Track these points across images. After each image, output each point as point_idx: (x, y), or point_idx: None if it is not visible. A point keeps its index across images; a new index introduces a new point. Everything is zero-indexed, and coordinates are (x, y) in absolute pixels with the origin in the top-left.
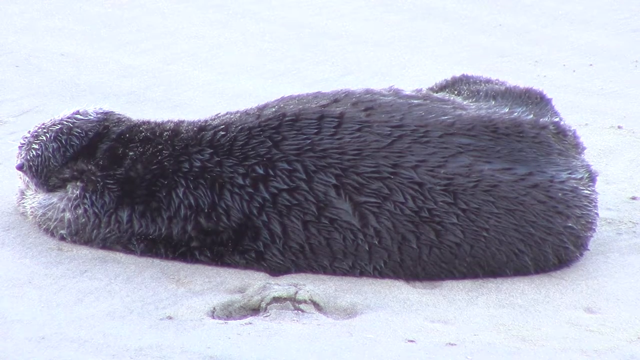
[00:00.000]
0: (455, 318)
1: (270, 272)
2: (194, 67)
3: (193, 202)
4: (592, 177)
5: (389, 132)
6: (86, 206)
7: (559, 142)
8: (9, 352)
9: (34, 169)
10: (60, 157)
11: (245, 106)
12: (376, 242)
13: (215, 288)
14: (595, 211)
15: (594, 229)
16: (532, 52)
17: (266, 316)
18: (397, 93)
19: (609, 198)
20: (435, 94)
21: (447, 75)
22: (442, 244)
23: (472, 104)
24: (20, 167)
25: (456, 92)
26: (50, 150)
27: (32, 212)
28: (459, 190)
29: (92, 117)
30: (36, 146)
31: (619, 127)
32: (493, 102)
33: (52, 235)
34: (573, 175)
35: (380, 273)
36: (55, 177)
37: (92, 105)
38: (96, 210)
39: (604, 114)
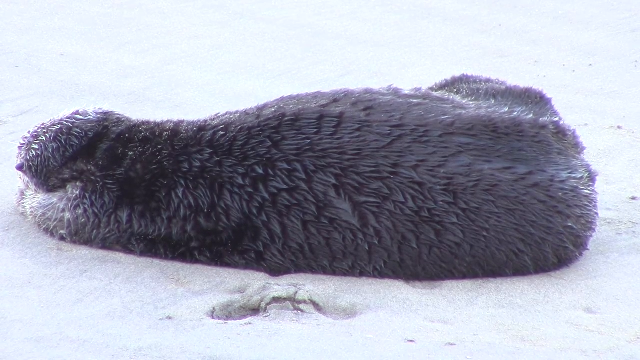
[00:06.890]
0: (455, 318)
1: (270, 272)
2: (194, 67)
3: (192, 202)
4: (591, 177)
5: (389, 132)
6: (86, 206)
7: (558, 141)
8: (9, 352)
9: (33, 169)
10: (59, 157)
11: (245, 106)
12: (376, 242)
13: (215, 288)
14: (595, 211)
15: (594, 229)
16: (532, 52)
17: (266, 316)
18: (396, 92)
19: (609, 198)
20: (434, 93)
21: (447, 75)
22: (442, 243)
23: (471, 103)
24: (20, 167)
25: (455, 91)
26: (50, 150)
27: (32, 212)
28: (459, 190)
29: (91, 117)
30: (36, 146)
31: (619, 127)
32: (493, 102)
33: (52, 235)
34: (573, 175)
35: (380, 273)
36: (55, 177)
37: (91, 105)
38: (96, 211)
39: (603, 114)
